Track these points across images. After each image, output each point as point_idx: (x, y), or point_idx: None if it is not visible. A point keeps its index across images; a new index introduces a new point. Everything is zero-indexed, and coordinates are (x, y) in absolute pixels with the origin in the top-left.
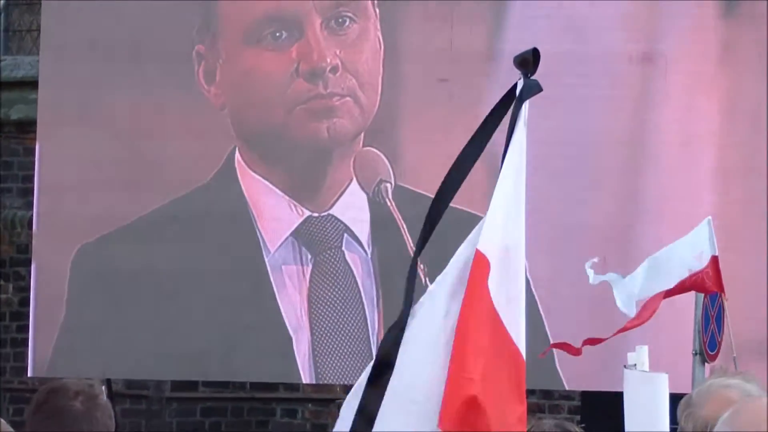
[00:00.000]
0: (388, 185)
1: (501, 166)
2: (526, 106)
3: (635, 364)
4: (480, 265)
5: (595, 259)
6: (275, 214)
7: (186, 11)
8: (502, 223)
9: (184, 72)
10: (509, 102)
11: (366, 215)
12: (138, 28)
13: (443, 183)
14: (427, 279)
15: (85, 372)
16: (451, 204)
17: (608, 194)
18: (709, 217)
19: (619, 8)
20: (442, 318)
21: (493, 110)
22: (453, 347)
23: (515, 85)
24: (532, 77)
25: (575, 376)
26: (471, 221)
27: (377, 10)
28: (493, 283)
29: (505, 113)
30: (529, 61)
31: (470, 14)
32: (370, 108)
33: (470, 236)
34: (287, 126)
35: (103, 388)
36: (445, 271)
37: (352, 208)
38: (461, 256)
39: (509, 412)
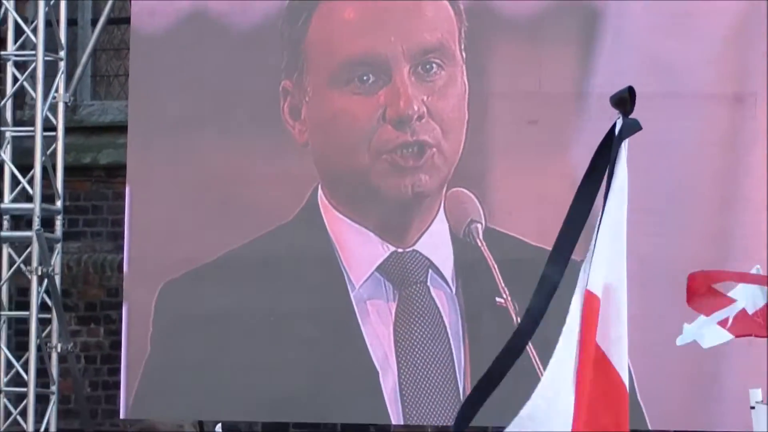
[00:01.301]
0: (479, 225)
1: (603, 207)
2: (625, 145)
3: (761, 401)
4: (591, 304)
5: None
6: (360, 250)
7: (274, 51)
8: (606, 262)
9: (270, 112)
10: (610, 143)
11: (449, 252)
12: (225, 69)
13: (559, 238)
14: (517, 318)
15: (177, 414)
16: (538, 244)
17: (698, 234)
18: (758, 266)
19: (708, 48)
20: (569, 362)
21: (596, 157)
22: (576, 400)
23: (614, 126)
24: (630, 116)
25: (660, 414)
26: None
27: (464, 55)
28: (602, 321)
29: (608, 157)
30: (626, 101)
31: (558, 55)
32: (453, 156)
33: (580, 280)
34: (372, 172)
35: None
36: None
37: (436, 245)
38: (575, 302)
39: None
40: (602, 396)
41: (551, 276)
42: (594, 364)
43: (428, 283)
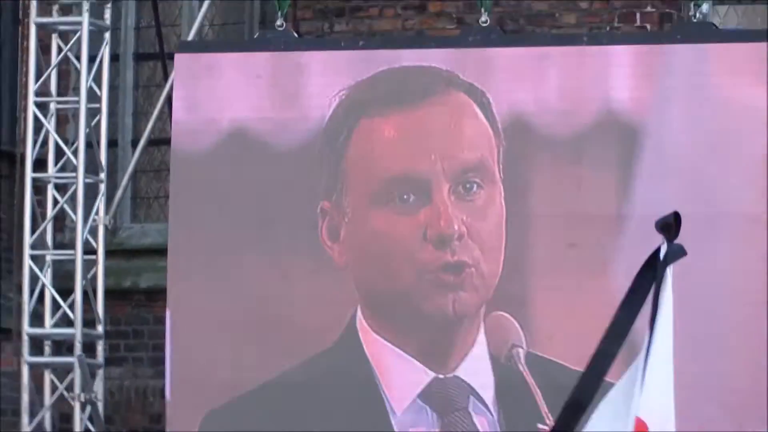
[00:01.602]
0: (521, 350)
1: (651, 333)
2: (670, 271)
3: None
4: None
5: None
6: (401, 375)
7: (312, 171)
8: (656, 389)
9: (309, 233)
10: (651, 268)
11: (490, 376)
12: (265, 190)
13: (594, 359)
14: None
15: None
16: (579, 369)
17: (743, 360)
18: None
19: (749, 167)
20: None
21: (636, 280)
22: None
23: (658, 250)
24: (675, 242)
25: None
26: (603, 387)
27: (502, 175)
28: None
29: (651, 281)
30: (671, 226)
31: (598, 176)
32: (492, 277)
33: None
34: (413, 293)
35: None
36: None
37: (477, 370)
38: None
39: None
40: None
41: (581, 399)
42: None
43: (470, 410)
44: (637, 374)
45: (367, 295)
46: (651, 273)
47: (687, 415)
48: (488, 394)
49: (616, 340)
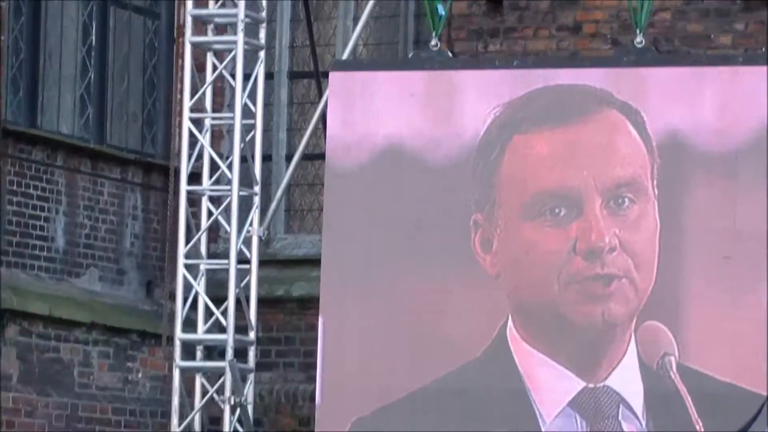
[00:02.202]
0: (672, 359)
1: None
2: None
3: None
4: None
5: None
6: (551, 386)
7: (465, 185)
8: None
9: (461, 245)
10: None
11: (639, 386)
12: (417, 204)
13: None
14: None
15: None
16: (735, 383)
17: None
18: None
19: None
20: None
21: None
22: None
23: None
24: None
25: None
26: (755, 400)
27: (656, 191)
28: None
29: None
30: None
31: (753, 192)
32: (645, 288)
33: None
34: (562, 304)
35: None
36: None
37: (627, 379)
38: None
39: None
40: None
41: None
42: None
43: (620, 418)
44: None
45: (518, 305)
46: None
47: None
48: (638, 402)
49: None
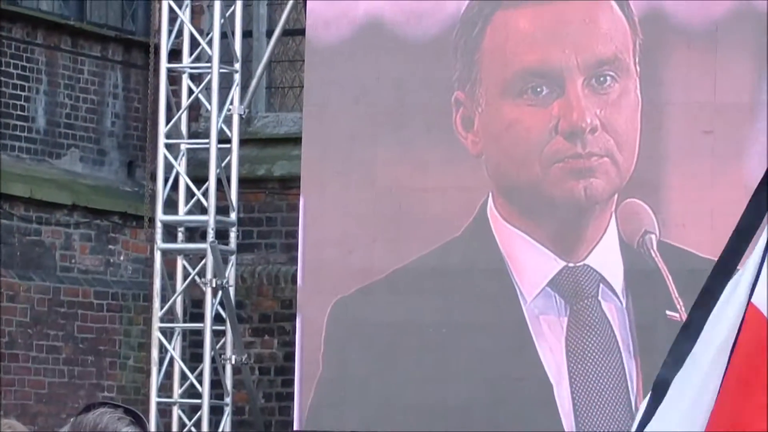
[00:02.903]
0: (653, 236)
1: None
2: None
3: None
4: (755, 321)
5: None
6: (531, 265)
7: (446, 63)
8: None
9: (442, 123)
10: None
11: (620, 265)
12: (399, 80)
13: (726, 249)
14: (683, 319)
15: (351, 426)
16: (711, 257)
17: None
18: None
19: None
20: (711, 376)
21: None
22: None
23: None
24: None
25: None
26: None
27: (638, 68)
28: None
29: None
30: None
31: (733, 64)
32: (627, 168)
33: (738, 289)
34: (543, 182)
35: None
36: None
37: (607, 258)
38: (729, 310)
39: None
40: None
41: (713, 289)
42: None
43: (599, 297)
44: (753, 262)
45: (499, 183)
46: None
47: None
48: (617, 281)
49: (749, 230)
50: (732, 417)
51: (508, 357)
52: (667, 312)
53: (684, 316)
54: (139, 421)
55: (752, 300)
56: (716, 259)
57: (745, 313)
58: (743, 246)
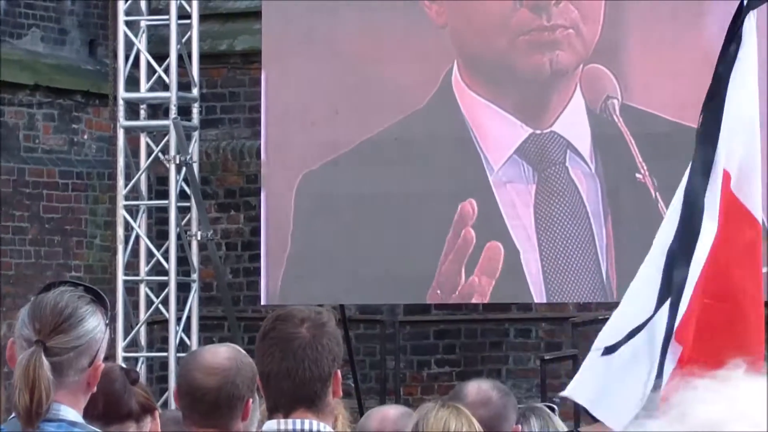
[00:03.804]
0: (615, 101)
1: (726, 82)
2: (754, 16)
3: None
4: (726, 183)
5: None
6: (497, 133)
7: None
8: (732, 135)
9: None
10: (738, 22)
11: (587, 131)
12: None
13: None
14: (657, 193)
15: (318, 299)
16: (673, 119)
17: None
18: None
19: None
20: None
21: (728, 35)
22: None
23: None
24: None
25: None
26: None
27: None
28: (737, 191)
29: (740, 37)
30: None
31: None
32: (591, 39)
33: (716, 156)
34: (509, 54)
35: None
36: (683, 195)
37: (574, 125)
38: (714, 178)
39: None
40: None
41: (705, 158)
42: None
43: (567, 164)
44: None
45: (464, 54)
46: (737, 30)
47: None
48: (585, 147)
49: (718, 92)
50: (706, 275)
51: (474, 225)
52: (636, 175)
53: (648, 180)
54: (100, 300)
55: (725, 166)
56: (678, 121)
57: (722, 179)
58: (717, 117)
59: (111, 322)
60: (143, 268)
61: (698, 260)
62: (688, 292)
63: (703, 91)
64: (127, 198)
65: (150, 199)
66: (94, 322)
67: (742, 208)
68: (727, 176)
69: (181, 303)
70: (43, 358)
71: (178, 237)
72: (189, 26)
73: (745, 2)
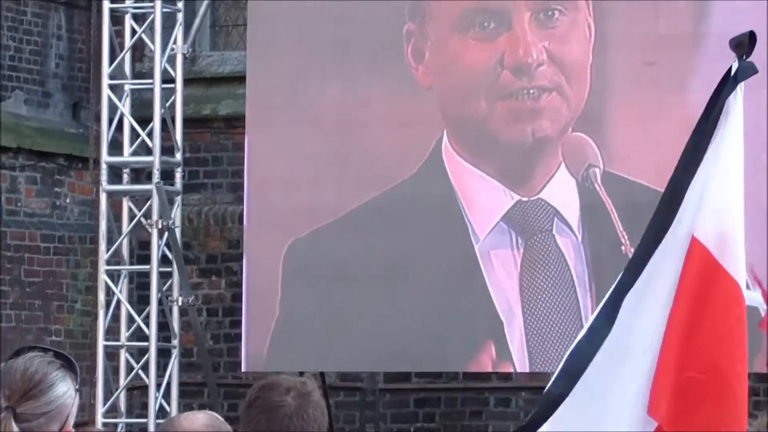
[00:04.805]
0: (597, 170)
1: (707, 150)
2: (741, 89)
3: None
4: (698, 252)
5: None
6: (484, 200)
7: None
8: (718, 210)
9: (391, 58)
10: (724, 88)
11: (575, 200)
12: (345, 17)
13: (671, 184)
14: (629, 253)
15: (299, 366)
16: (656, 188)
17: None
18: None
19: None
20: (658, 306)
21: (711, 101)
22: (667, 338)
23: (729, 69)
24: (747, 59)
25: None
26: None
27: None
28: (723, 262)
29: (725, 101)
30: (745, 44)
31: None
32: (578, 101)
33: (676, 220)
34: (491, 119)
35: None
36: (654, 259)
37: (562, 193)
38: (670, 242)
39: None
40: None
41: (658, 224)
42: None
43: (554, 232)
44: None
45: (450, 118)
46: (722, 96)
47: None
48: (573, 215)
49: (693, 156)
50: (681, 346)
51: (457, 294)
52: (621, 246)
53: (629, 249)
54: (70, 366)
55: (694, 234)
56: (661, 190)
57: (689, 246)
58: (685, 182)
59: (91, 388)
60: (124, 333)
61: (656, 327)
62: (653, 361)
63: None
64: (108, 262)
65: (132, 263)
66: (63, 388)
67: (730, 280)
68: (700, 246)
69: (162, 368)
70: (13, 424)
71: (160, 302)
72: (173, 90)
73: (732, 72)
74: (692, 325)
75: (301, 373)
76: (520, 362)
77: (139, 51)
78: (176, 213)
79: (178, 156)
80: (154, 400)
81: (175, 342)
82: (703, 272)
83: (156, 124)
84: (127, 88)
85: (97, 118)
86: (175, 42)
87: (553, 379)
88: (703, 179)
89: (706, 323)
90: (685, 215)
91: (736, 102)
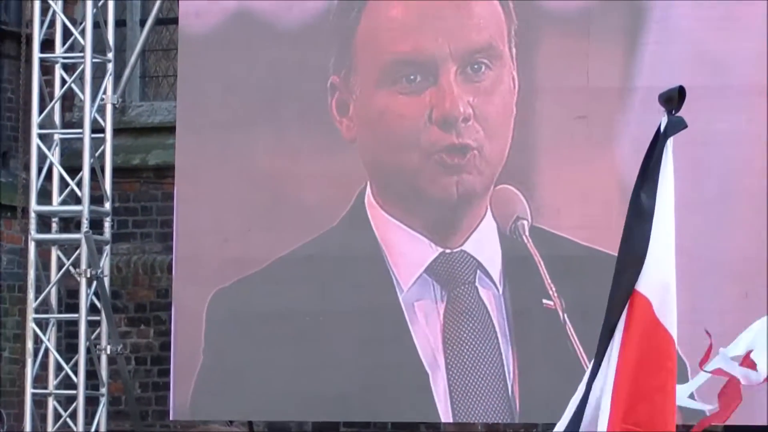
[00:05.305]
0: (525, 223)
1: (653, 209)
2: (671, 143)
3: None
4: (640, 305)
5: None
6: (407, 252)
7: (322, 48)
8: (657, 263)
9: (318, 109)
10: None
11: (498, 252)
12: (273, 67)
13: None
14: (564, 315)
15: (227, 415)
16: (588, 244)
17: (745, 228)
18: None
19: (755, 41)
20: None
21: (646, 157)
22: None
23: (660, 125)
24: (677, 114)
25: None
26: (608, 260)
27: (513, 51)
28: (661, 317)
29: (660, 156)
30: (674, 99)
31: (605, 50)
32: (498, 158)
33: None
34: (420, 173)
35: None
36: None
37: (485, 245)
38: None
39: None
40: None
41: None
42: (639, 362)
43: (476, 284)
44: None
45: (375, 171)
46: (656, 151)
47: (690, 285)
48: (495, 267)
49: (639, 218)
50: (630, 395)
51: (383, 345)
52: (544, 300)
53: (557, 302)
54: None
55: (637, 287)
56: (589, 245)
57: (630, 299)
58: (645, 234)
59: None
60: (52, 381)
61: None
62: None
63: (613, 214)
64: (37, 311)
65: (60, 312)
66: None
67: (666, 335)
68: (647, 302)
69: (90, 417)
70: None
71: (88, 350)
72: (102, 140)
73: (661, 129)
74: (633, 379)
75: (231, 422)
76: (445, 413)
77: (69, 100)
78: (105, 262)
79: (107, 205)
80: None
81: (104, 390)
82: (642, 325)
83: (85, 173)
84: (56, 137)
85: (26, 167)
86: (105, 92)
87: None
88: (647, 236)
89: (646, 376)
90: (628, 270)
91: (667, 157)
